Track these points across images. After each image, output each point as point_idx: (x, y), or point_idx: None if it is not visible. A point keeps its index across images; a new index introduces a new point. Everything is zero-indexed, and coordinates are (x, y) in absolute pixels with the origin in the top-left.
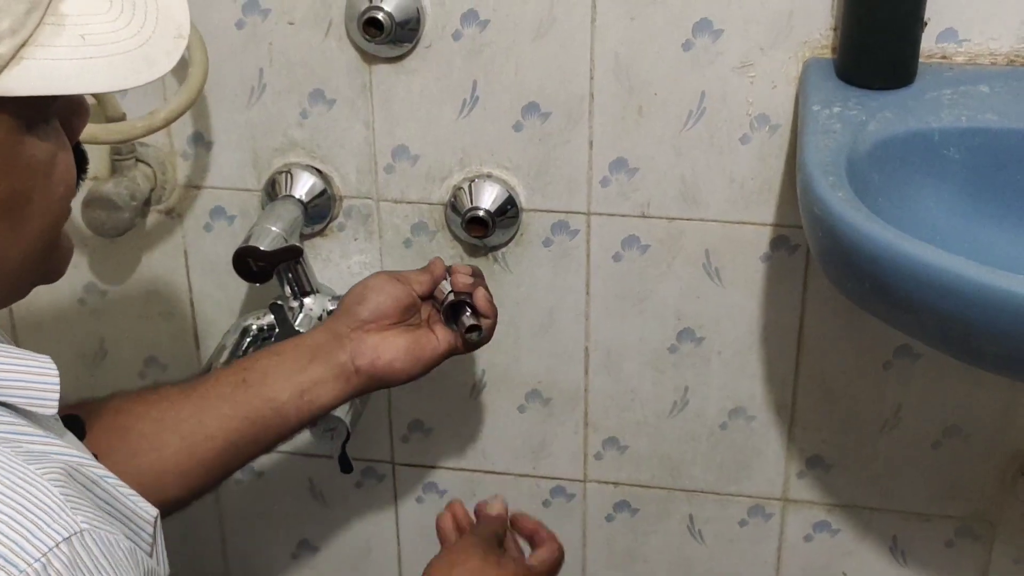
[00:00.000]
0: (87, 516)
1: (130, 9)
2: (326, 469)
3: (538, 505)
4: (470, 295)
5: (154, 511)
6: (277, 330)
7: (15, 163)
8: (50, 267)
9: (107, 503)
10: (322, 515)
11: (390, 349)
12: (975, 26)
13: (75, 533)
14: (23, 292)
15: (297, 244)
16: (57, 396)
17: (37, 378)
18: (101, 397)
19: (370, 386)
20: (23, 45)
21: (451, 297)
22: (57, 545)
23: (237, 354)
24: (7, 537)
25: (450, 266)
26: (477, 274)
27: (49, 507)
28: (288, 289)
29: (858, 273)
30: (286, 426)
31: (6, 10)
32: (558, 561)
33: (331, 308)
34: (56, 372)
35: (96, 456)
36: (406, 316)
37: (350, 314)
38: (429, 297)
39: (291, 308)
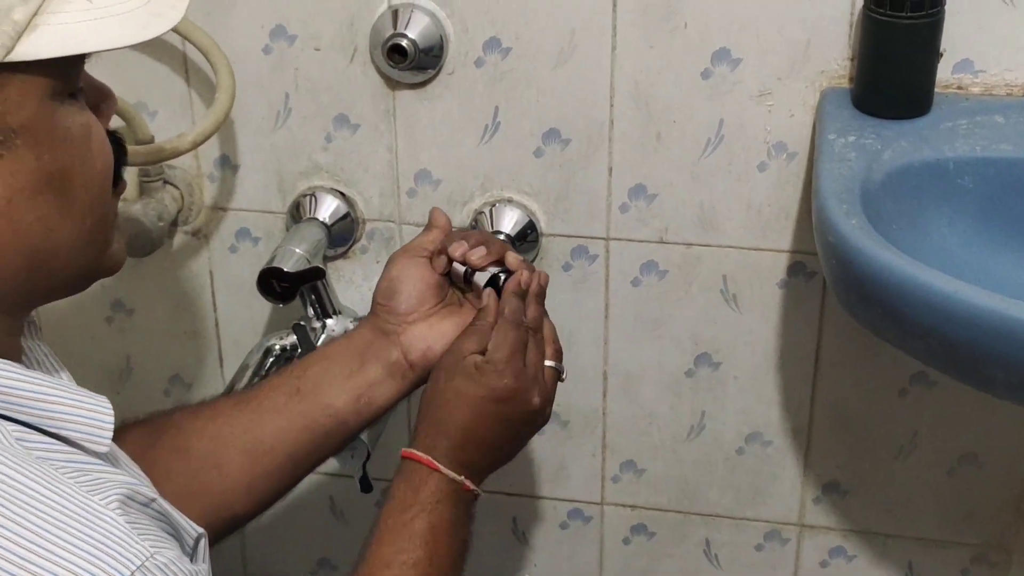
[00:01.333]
0: (152, 540)
1: None
2: (347, 488)
3: (555, 527)
4: (500, 262)
5: (200, 530)
6: (299, 350)
7: (53, 135)
8: (105, 250)
9: (164, 521)
10: (342, 534)
11: (440, 338)
12: (991, 57)
13: (147, 558)
14: (83, 281)
15: (320, 266)
16: (111, 435)
17: (93, 415)
18: (163, 411)
19: (426, 378)
20: (36, 13)
21: (479, 278)
22: (132, 574)
23: (260, 374)
24: (85, 572)
25: (452, 234)
26: (487, 241)
27: (119, 538)
28: (311, 310)
29: (871, 300)
30: (346, 431)
31: None
32: (512, 340)
33: (353, 328)
34: (111, 412)
35: (160, 477)
36: (442, 294)
37: (388, 310)
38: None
39: (313, 329)
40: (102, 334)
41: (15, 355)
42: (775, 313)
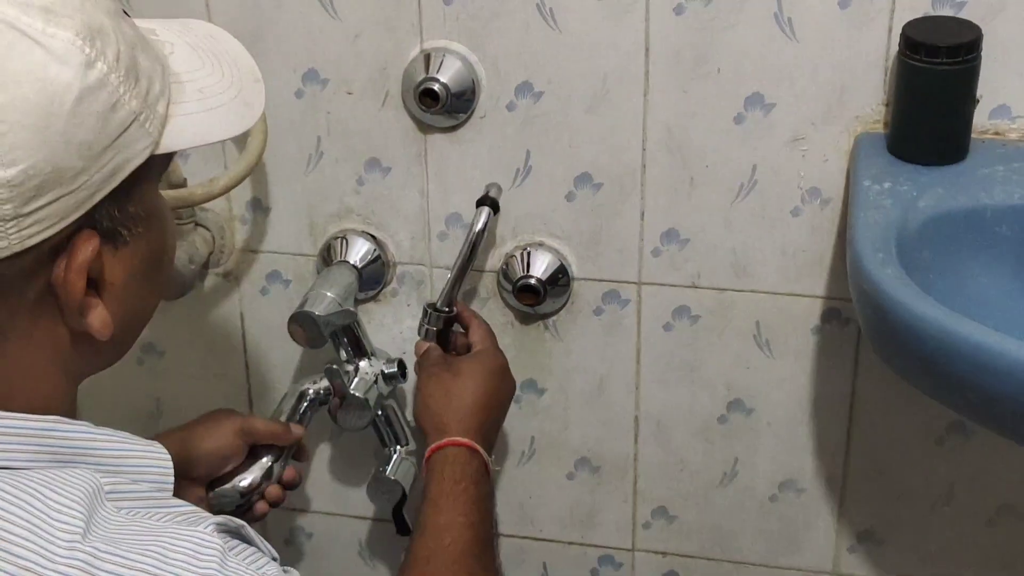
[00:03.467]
0: (252, 561)
1: (217, 64)
2: (376, 532)
3: (586, 574)
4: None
5: (275, 553)
6: (331, 393)
7: (157, 215)
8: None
9: (244, 541)
10: None
11: None
12: None
13: None
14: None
15: (351, 309)
16: (172, 480)
17: (158, 462)
18: None
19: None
20: (168, 104)
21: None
22: None
23: (294, 418)
24: None
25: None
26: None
27: (235, 569)
28: (343, 353)
29: (907, 351)
30: None
31: (154, 73)
32: (488, 328)
33: (386, 370)
34: (169, 457)
35: None
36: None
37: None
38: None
39: (346, 372)
40: (132, 376)
41: (76, 413)
42: (809, 360)
